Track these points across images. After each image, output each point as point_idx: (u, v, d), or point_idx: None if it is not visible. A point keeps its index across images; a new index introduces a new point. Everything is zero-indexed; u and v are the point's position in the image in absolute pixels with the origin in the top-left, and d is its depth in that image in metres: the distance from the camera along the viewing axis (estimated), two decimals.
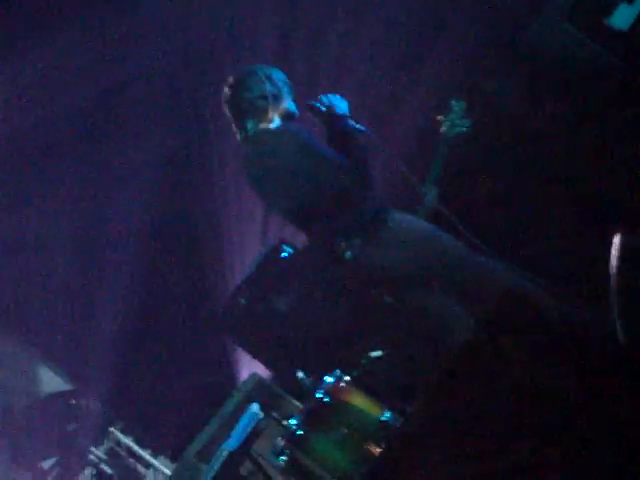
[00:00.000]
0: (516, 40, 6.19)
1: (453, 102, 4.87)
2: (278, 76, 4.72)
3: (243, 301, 5.28)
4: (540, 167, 5.94)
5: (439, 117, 4.88)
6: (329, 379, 4.60)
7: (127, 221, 6.55)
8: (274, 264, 5.37)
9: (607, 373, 3.36)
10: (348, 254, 4.44)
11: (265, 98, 4.60)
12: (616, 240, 3.76)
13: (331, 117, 4.65)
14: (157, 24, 6.56)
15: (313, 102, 4.70)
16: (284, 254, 5.35)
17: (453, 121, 4.84)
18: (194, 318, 6.51)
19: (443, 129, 4.84)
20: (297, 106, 4.74)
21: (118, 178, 6.70)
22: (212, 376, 6.28)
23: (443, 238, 4.53)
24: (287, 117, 4.67)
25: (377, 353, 4.87)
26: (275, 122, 4.63)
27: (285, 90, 4.71)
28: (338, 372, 4.62)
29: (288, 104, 4.70)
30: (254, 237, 6.37)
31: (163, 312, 6.70)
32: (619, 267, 3.71)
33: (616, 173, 5.69)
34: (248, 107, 4.62)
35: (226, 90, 4.69)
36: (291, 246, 5.40)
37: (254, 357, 5.40)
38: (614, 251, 3.76)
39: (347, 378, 4.60)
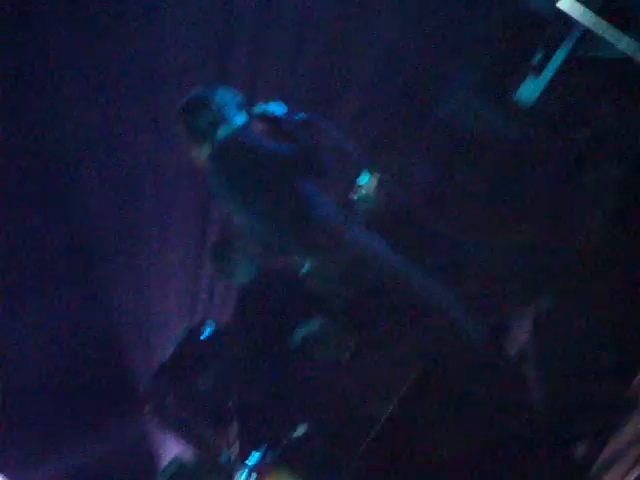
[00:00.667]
0: (427, 115, 6.31)
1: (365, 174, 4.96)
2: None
3: (165, 381, 5.23)
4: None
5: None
6: (253, 458, 4.58)
7: None
8: (196, 342, 5.33)
9: None
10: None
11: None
12: None
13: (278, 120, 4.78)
14: None
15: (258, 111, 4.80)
16: (207, 331, 5.32)
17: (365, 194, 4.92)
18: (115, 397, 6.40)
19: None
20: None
21: None
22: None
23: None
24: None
25: (301, 430, 4.85)
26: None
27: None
28: (262, 450, 4.59)
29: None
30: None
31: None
32: None
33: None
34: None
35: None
36: (214, 323, 5.37)
37: (177, 437, 5.33)
38: None
39: (271, 456, 4.58)
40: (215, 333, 5.30)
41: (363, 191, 4.94)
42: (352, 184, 5.10)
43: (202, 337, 5.29)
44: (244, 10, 6.59)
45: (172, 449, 5.47)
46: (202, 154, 4.80)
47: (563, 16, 5.36)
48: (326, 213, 4.68)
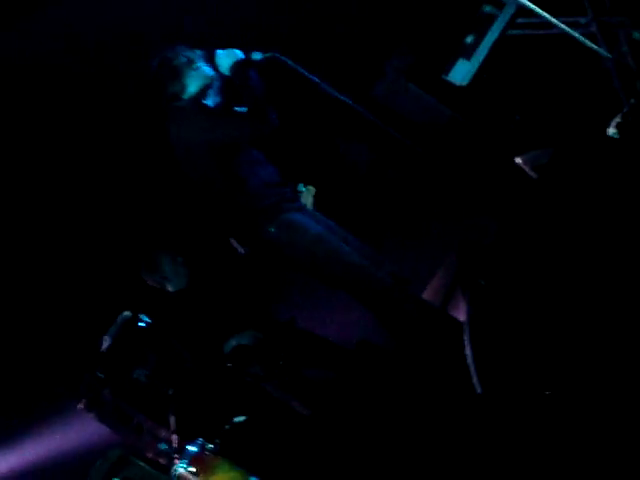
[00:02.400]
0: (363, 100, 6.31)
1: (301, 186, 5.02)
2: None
3: (101, 375, 5.16)
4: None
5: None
6: (192, 448, 4.55)
7: None
8: (132, 334, 5.28)
9: None
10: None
11: None
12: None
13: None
14: None
15: None
16: (141, 324, 5.26)
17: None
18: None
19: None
20: None
21: None
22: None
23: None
24: None
25: (240, 418, 4.83)
26: None
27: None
28: (201, 440, 4.57)
29: None
30: None
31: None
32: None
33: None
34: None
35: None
36: (147, 316, 5.31)
37: (114, 430, 5.27)
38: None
39: (210, 446, 4.55)
40: (151, 325, 5.25)
41: (302, 200, 4.98)
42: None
43: (137, 328, 5.24)
44: None
45: (110, 441, 5.41)
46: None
47: None
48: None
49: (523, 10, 5.34)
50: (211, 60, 4.90)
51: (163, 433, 4.95)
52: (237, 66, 4.80)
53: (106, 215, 6.52)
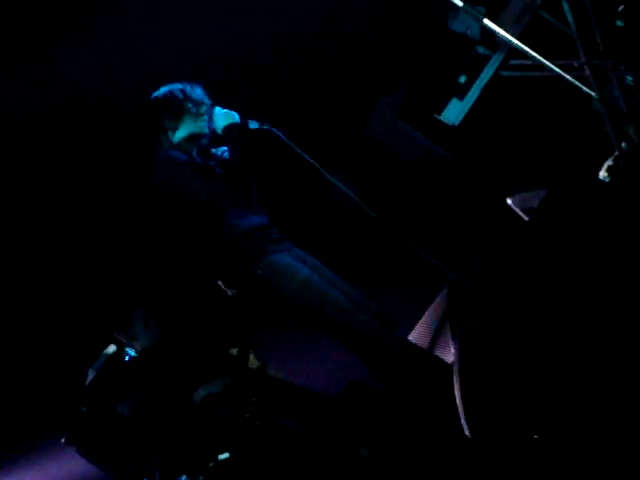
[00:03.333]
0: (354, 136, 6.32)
1: None
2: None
3: (84, 409, 5.12)
4: None
5: None
6: None
7: None
8: (116, 369, 5.24)
9: None
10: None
11: None
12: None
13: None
14: None
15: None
16: (126, 357, 5.22)
17: None
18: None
19: None
20: None
21: None
22: None
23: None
24: None
25: (224, 455, 4.79)
26: None
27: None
28: (184, 478, 4.52)
29: None
30: None
31: None
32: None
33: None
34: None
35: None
36: (133, 349, 5.28)
37: (97, 465, 5.22)
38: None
39: None
40: (135, 360, 5.21)
41: None
42: None
43: (122, 363, 5.20)
44: None
45: (93, 476, 5.35)
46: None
47: (488, 38, 5.40)
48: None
49: (516, 52, 5.35)
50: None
51: (146, 469, 4.90)
52: (231, 130, 4.79)
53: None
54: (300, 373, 5.45)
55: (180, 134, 4.85)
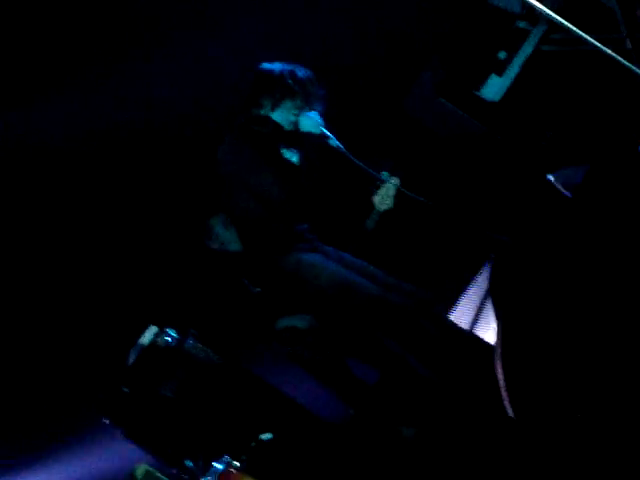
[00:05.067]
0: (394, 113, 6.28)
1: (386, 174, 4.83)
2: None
3: (126, 389, 5.14)
4: None
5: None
6: (218, 465, 4.51)
7: None
8: (158, 349, 5.25)
9: None
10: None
11: None
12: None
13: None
14: None
15: None
16: (168, 339, 5.23)
17: (384, 196, 4.79)
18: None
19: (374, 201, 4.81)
20: None
21: None
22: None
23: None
24: None
25: (266, 435, 4.79)
26: None
27: None
28: (227, 458, 4.53)
29: None
30: None
31: None
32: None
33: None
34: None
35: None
36: (175, 331, 5.28)
37: (140, 446, 5.24)
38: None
39: (236, 463, 4.51)
40: (177, 341, 5.22)
41: (382, 191, 4.80)
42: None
43: (164, 344, 5.21)
44: None
45: (134, 457, 5.37)
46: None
47: (528, 12, 5.34)
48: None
49: (556, 26, 5.27)
50: None
51: (189, 449, 4.91)
52: (312, 135, 4.74)
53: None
54: None
55: (274, 116, 4.79)
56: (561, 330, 3.91)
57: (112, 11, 6.18)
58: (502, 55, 5.60)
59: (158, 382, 5.14)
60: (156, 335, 5.23)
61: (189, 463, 4.74)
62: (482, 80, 5.67)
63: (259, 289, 4.79)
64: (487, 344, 4.69)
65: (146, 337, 5.22)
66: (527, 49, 5.53)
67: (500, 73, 5.62)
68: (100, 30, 6.20)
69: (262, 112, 4.79)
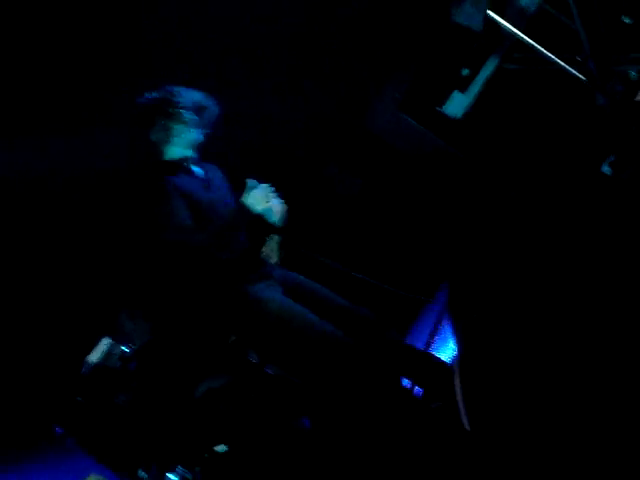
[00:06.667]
0: (354, 128, 6.28)
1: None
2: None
3: (79, 398, 5.08)
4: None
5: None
6: (172, 476, 4.47)
7: None
8: (113, 359, 5.19)
9: None
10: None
11: None
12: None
13: None
14: None
15: None
16: (123, 348, 5.18)
17: (267, 254, 4.73)
18: None
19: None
20: None
21: None
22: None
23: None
24: None
25: (221, 447, 4.75)
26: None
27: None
28: (180, 469, 4.49)
29: None
30: None
31: None
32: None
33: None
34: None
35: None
36: (131, 341, 5.23)
37: (92, 456, 5.17)
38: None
39: (189, 475, 4.47)
40: (133, 350, 5.16)
41: (266, 249, 4.74)
42: None
43: (119, 353, 5.16)
44: None
45: (87, 468, 5.31)
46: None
47: (491, 31, 5.37)
48: None
49: (520, 45, 5.32)
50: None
51: (142, 459, 4.86)
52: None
53: None
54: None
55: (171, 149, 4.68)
56: (520, 343, 3.92)
57: None
58: (465, 72, 5.63)
59: (112, 392, 5.08)
60: (111, 345, 5.18)
61: (142, 474, 4.69)
62: (445, 97, 5.68)
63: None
64: (442, 363, 4.67)
65: (101, 346, 5.17)
66: (490, 67, 5.56)
67: (463, 90, 5.64)
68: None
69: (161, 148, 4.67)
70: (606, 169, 5.02)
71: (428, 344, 5.20)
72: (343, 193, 6.21)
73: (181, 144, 4.67)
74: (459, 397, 4.05)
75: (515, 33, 5.15)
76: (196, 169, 4.70)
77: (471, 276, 4.74)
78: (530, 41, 5.16)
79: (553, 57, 5.19)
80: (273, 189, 4.46)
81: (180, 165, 4.65)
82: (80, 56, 5.73)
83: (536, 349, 3.89)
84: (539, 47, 5.17)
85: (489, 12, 5.04)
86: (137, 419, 4.99)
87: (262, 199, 4.40)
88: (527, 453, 3.69)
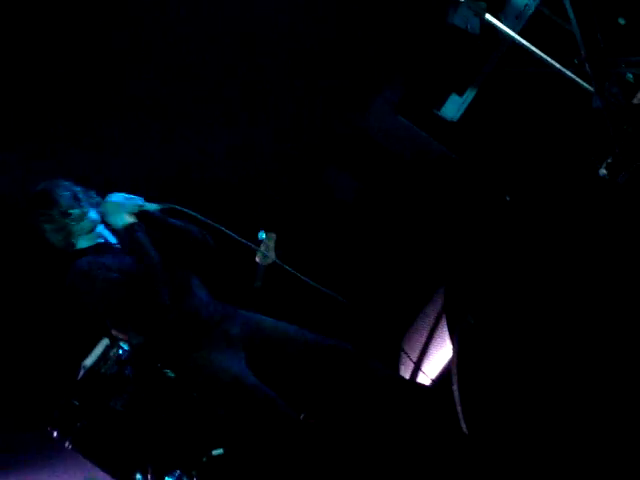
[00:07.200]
0: (351, 131, 6.28)
1: (262, 234, 4.63)
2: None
3: (76, 402, 5.07)
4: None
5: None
6: None
7: None
8: (110, 362, 5.19)
9: None
10: None
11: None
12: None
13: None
14: None
15: None
16: (119, 352, 5.17)
17: (264, 252, 4.65)
18: None
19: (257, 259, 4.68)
20: None
21: None
22: None
23: None
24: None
25: (218, 451, 4.74)
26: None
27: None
28: (178, 472, 4.49)
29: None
30: None
31: None
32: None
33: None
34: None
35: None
36: (129, 345, 5.21)
37: (90, 460, 5.17)
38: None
39: (186, 479, 4.48)
40: (128, 353, 5.15)
41: (262, 247, 4.68)
42: None
43: (115, 357, 5.15)
44: None
45: (84, 472, 5.30)
46: None
47: (489, 33, 5.37)
48: None
49: (517, 47, 5.31)
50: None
51: (139, 463, 4.85)
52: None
53: None
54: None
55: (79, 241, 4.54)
56: (515, 346, 3.92)
57: None
58: (462, 75, 5.63)
59: (109, 395, 5.07)
60: (107, 348, 5.18)
61: (139, 477, 4.69)
62: (442, 99, 5.68)
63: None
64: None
65: (97, 350, 5.17)
66: (487, 69, 5.56)
67: (460, 93, 5.64)
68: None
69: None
70: (602, 172, 5.02)
71: (424, 350, 5.20)
72: (342, 198, 6.22)
73: (85, 232, 4.56)
74: (457, 401, 4.05)
75: (512, 36, 5.14)
76: (113, 240, 4.66)
77: (468, 281, 4.73)
78: (527, 44, 5.15)
79: (549, 59, 5.19)
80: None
81: (97, 246, 4.56)
82: None
83: (533, 353, 3.89)
84: (536, 50, 5.17)
85: (486, 15, 5.03)
86: (134, 423, 4.98)
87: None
88: (525, 455, 3.69)
